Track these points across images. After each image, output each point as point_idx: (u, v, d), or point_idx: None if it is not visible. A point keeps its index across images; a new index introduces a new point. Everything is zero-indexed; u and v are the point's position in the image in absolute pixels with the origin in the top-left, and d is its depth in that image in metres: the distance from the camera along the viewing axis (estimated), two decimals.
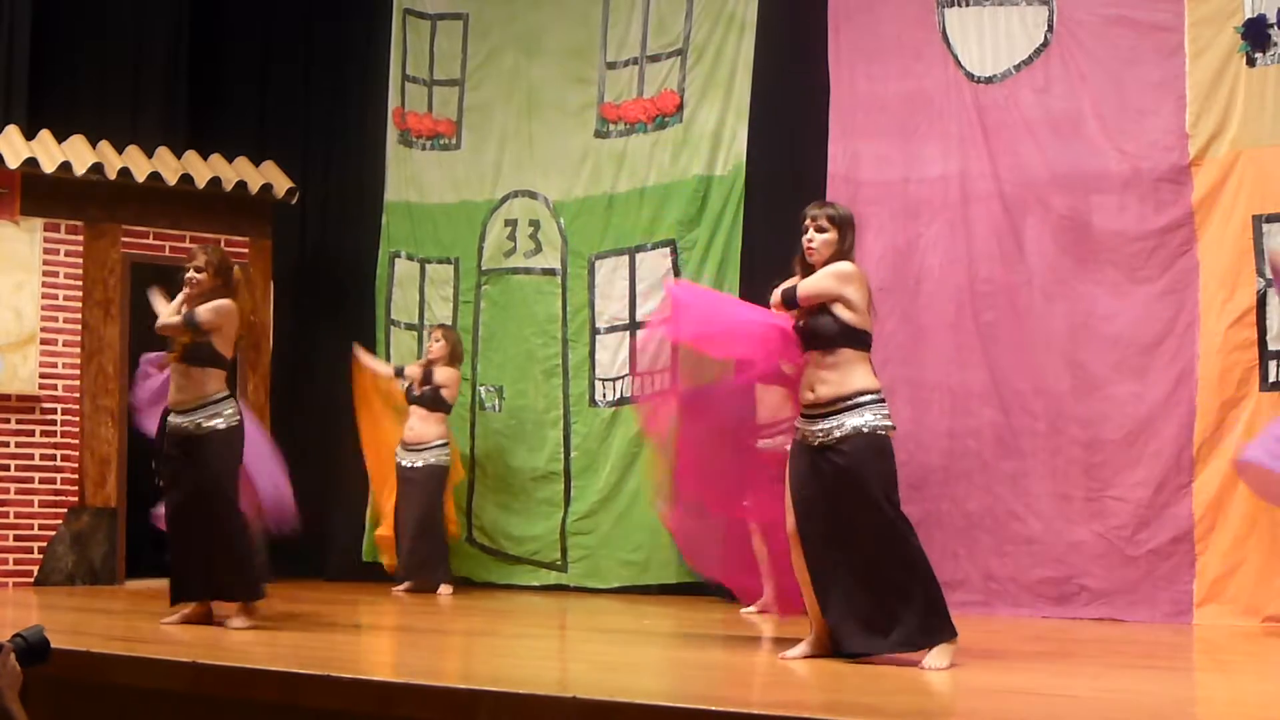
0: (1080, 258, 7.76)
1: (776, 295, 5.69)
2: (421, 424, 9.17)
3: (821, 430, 5.47)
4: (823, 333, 5.50)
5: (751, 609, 7.47)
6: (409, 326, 10.02)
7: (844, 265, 5.56)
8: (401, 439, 9.24)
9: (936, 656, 5.34)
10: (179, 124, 10.54)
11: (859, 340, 5.51)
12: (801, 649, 5.57)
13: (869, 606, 5.42)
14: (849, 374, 5.47)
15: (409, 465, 9.16)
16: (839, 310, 5.49)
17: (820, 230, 5.58)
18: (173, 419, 6.75)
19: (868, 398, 5.47)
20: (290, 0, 10.84)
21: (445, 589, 9.03)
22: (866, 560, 5.41)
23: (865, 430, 5.43)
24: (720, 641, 6.98)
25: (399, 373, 9.51)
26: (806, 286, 5.57)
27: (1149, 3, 7.68)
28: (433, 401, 9.17)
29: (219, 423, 6.66)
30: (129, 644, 5.89)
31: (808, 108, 8.62)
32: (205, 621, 6.67)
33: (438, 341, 9.30)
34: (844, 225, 5.61)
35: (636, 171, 9.33)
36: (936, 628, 5.40)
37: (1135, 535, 7.49)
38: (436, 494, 9.13)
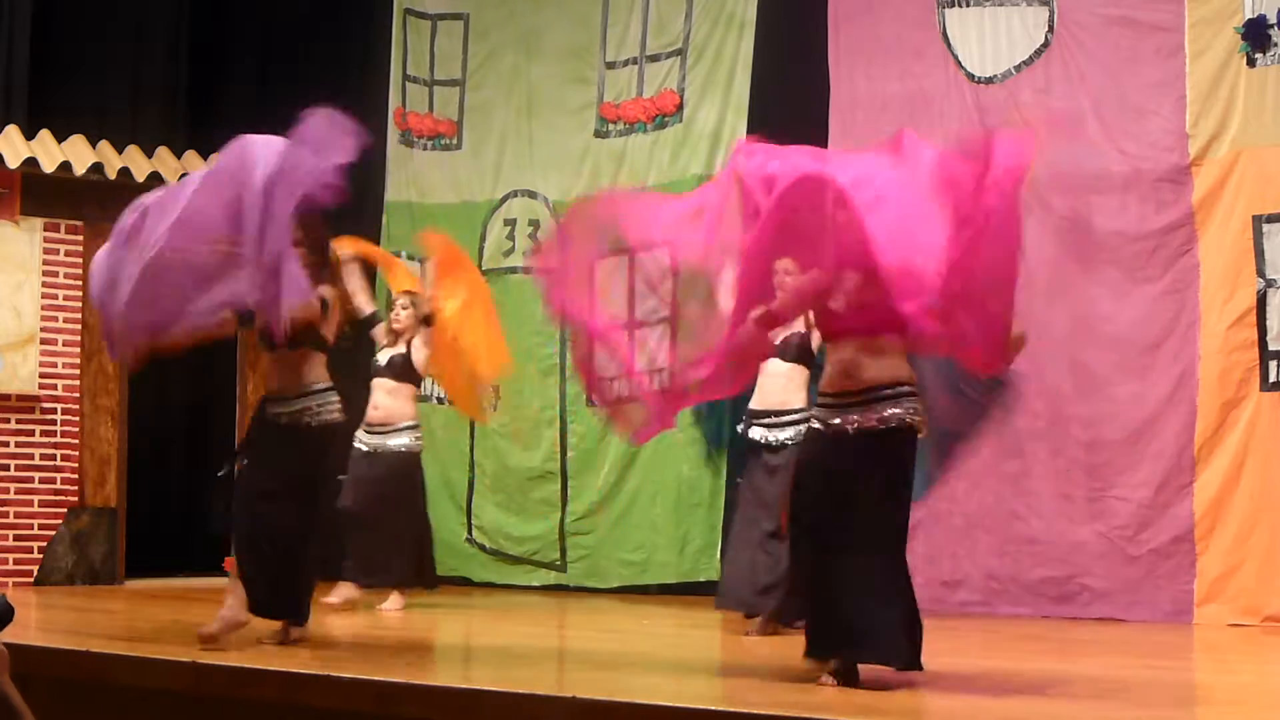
0: (1081, 258, 7.75)
1: None
2: (389, 399, 7.86)
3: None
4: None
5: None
6: None
7: None
8: (365, 419, 7.84)
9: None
10: (178, 123, 10.54)
11: None
12: None
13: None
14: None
15: (370, 450, 7.81)
16: None
17: None
18: None
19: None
20: (290, 0, 10.84)
21: (396, 600, 7.82)
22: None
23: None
24: (720, 642, 6.98)
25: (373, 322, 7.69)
26: None
27: (1149, 3, 7.68)
28: (403, 372, 7.83)
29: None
30: (129, 644, 5.88)
31: (808, 108, 8.61)
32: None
33: (405, 309, 7.88)
34: None
35: (636, 171, 9.32)
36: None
37: (1136, 535, 7.50)
38: (411, 483, 7.93)
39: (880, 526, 4.85)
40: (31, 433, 9.12)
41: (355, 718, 4.73)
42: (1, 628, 3.34)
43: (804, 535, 4.95)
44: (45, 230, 9.21)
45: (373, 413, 7.86)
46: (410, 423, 7.88)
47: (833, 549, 4.82)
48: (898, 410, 4.83)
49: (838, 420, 4.89)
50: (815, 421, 5.01)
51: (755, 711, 4.15)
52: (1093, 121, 7.77)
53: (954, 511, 7.87)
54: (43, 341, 9.15)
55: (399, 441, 7.84)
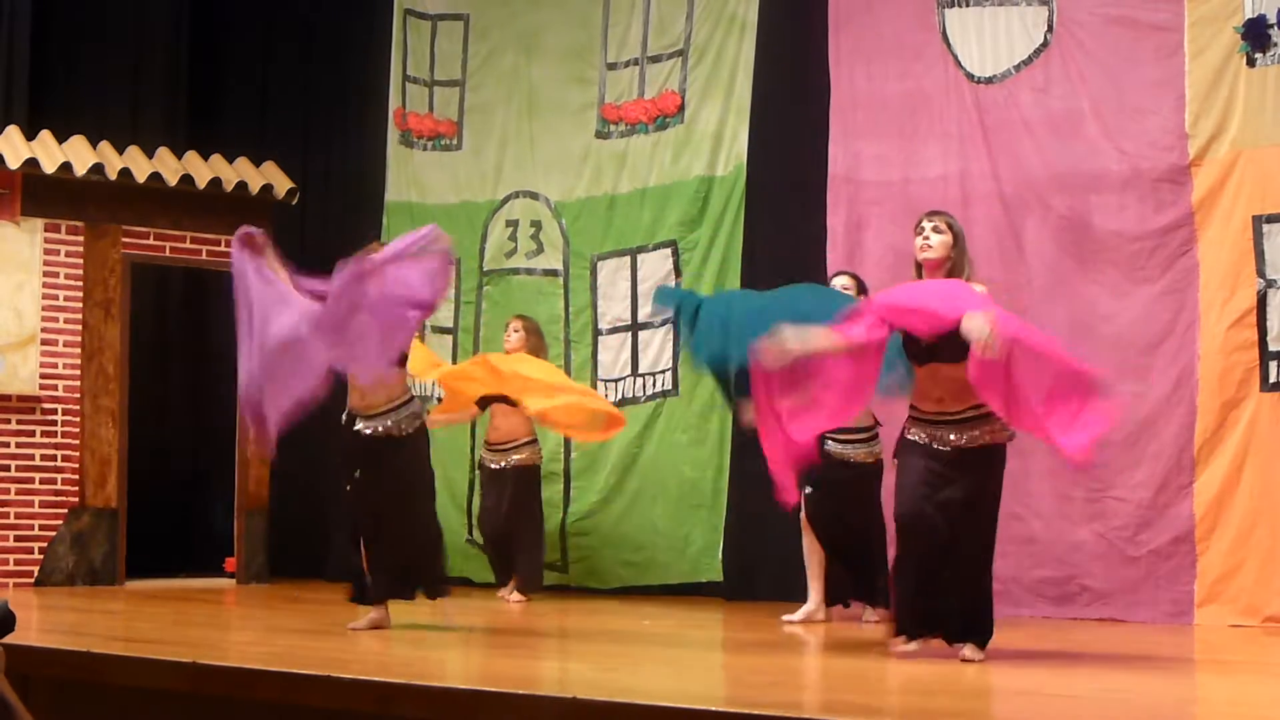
0: (1080, 258, 7.76)
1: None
2: (506, 421, 8.65)
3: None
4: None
5: (794, 617, 7.18)
6: None
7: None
8: (486, 440, 8.81)
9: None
10: (179, 124, 10.55)
11: None
12: None
13: None
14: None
15: (497, 467, 8.73)
16: None
17: (938, 231, 5.76)
18: None
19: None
20: (290, 0, 10.84)
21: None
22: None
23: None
24: (720, 641, 6.98)
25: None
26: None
27: (1149, 3, 7.68)
28: None
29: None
30: (129, 644, 5.89)
31: (808, 108, 8.62)
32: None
33: (516, 332, 8.66)
34: (960, 235, 5.81)
35: (638, 172, 9.33)
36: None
37: (1136, 535, 7.49)
38: (532, 492, 8.78)
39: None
40: (32, 433, 9.13)
41: (355, 718, 4.73)
42: (2, 636, 3.36)
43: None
44: (46, 231, 9.21)
45: (493, 433, 8.71)
46: (529, 438, 8.72)
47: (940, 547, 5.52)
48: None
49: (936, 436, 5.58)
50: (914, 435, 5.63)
51: (755, 711, 4.15)
52: (1092, 121, 7.77)
53: None
54: (43, 342, 9.15)
55: (520, 456, 8.71)
